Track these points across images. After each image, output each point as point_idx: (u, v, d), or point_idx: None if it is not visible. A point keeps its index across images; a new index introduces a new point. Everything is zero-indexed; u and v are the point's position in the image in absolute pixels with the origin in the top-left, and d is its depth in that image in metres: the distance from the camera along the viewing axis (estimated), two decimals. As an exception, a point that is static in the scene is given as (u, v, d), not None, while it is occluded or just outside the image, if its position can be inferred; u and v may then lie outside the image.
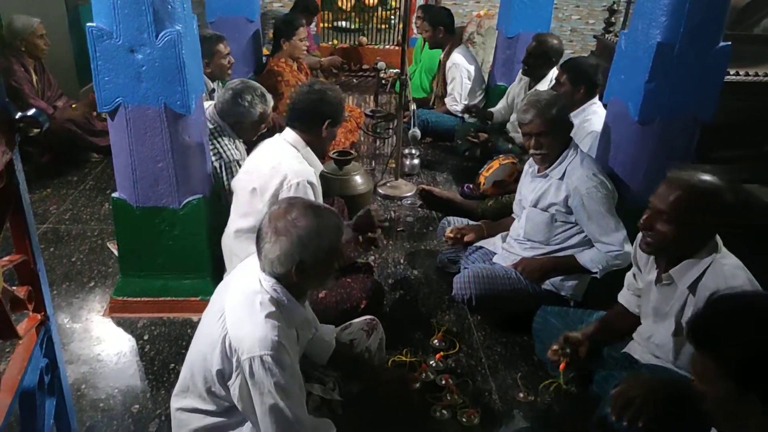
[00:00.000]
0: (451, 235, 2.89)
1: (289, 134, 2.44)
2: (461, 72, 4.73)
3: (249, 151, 2.96)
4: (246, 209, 2.36)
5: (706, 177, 1.79)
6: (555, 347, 2.12)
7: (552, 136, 2.51)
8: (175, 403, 1.76)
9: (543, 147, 2.52)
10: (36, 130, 1.27)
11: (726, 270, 1.76)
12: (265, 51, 5.32)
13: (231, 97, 2.80)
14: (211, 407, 1.68)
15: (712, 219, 1.78)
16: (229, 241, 2.47)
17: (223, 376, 1.58)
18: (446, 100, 4.89)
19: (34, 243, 1.43)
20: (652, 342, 2.01)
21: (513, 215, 2.92)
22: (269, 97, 2.91)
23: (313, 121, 2.41)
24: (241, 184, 2.43)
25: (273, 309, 1.59)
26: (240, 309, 1.60)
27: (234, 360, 1.55)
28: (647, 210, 1.87)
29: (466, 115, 4.72)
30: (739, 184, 1.79)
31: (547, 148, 2.53)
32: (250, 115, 2.82)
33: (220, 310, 1.61)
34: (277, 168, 2.28)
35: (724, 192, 1.76)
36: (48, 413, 1.52)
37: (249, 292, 1.62)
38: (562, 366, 2.11)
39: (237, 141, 2.96)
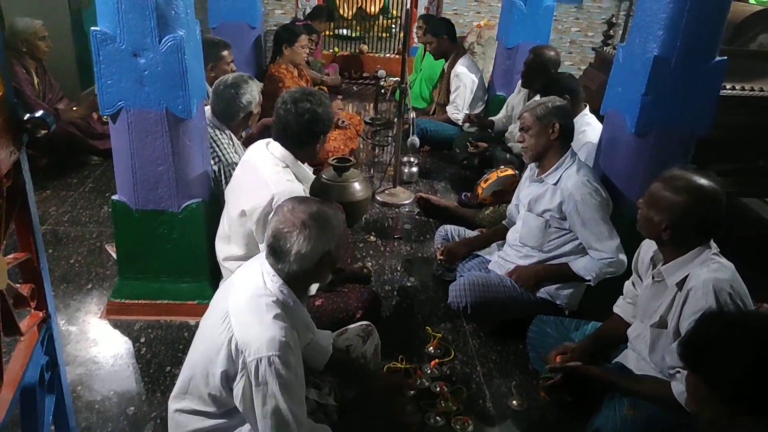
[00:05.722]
0: (442, 256, 2.92)
1: (277, 149, 2.36)
2: (465, 82, 4.77)
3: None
4: (236, 228, 2.38)
5: (704, 181, 1.83)
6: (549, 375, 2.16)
7: (534, 135, 2.54)
8: (174, 404, 1.76)
9: (525, 141, 2.59)
10: (43, 131, 1.28)
11: (711, 275, 1.78)
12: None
13: (219, 86, 2.84)
14: (211, 409, 1.69)
15: (706, 222, 1.82)
16: (220, 252, 2.52)
17: (227, 378, 1.59)
18: (448, 108, 4.92)
19: (38, 242, 1.44)
20: (637, 338, 2.05)
21: (504, 222, 2.95)
22: (257, 84, 2.92)
23: (308, 141, 2.37)
24: (231, 201, 2.45)
25: (279, 311, 1.61)
26: (246, 311, 1.61)
27: (240, 361, 1.56)
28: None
29: (466, 125, 4.75)
30: (725, 194, 1.86)
31: (528, 143, 2.57)
32: (239, 101, 2.82)
33: (224, 313, 1.62)
34: (264, 189, 2.24)
35: (719, 197, 1.81)
36: (48, 410, 1.53)
37: (253, 294, 1.63)
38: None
39: (236, 144, 2.97)
